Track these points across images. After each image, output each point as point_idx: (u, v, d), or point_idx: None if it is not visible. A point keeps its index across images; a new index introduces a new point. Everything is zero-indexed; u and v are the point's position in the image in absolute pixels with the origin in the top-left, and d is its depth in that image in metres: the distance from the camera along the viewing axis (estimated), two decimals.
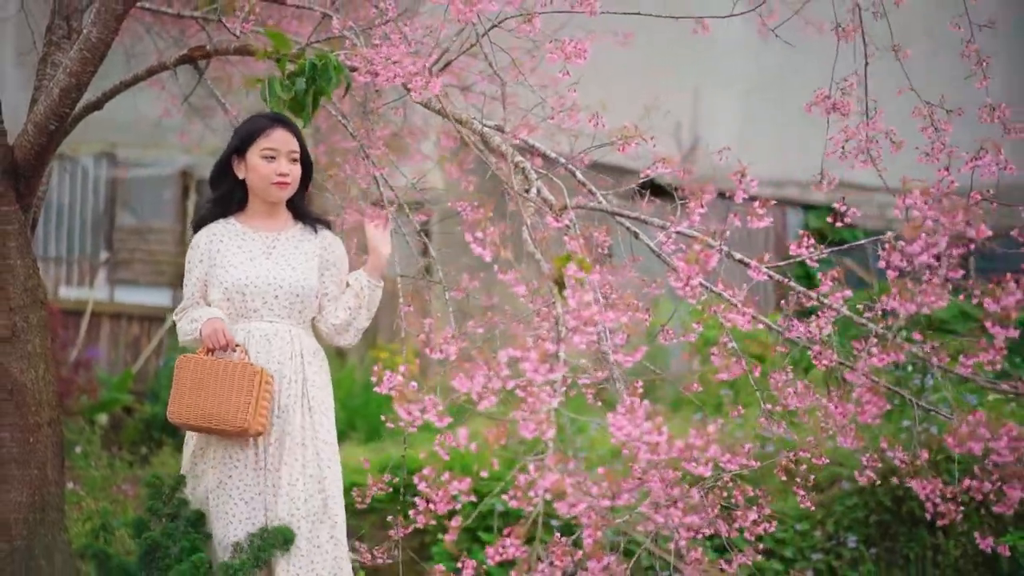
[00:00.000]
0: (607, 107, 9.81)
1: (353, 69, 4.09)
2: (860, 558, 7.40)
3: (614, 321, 3.20)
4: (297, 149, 4.54)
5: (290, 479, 4.41)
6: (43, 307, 5.08)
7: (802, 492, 3.94)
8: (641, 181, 4.16)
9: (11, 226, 4.94)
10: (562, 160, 4.19)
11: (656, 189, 12.77)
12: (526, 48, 4.21)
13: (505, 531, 2.97)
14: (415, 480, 3.14)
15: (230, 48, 4.79)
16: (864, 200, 14.12)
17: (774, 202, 3.54)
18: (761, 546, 4.04)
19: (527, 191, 3.86)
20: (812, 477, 3.89)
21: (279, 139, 4.50)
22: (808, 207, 13.44)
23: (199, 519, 4.32)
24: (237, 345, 4.40)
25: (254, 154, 4.50)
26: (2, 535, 4.93)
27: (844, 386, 3.53)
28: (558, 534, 3.39)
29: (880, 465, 3.92)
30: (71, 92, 4.81)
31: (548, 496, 2.85)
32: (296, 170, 4.55)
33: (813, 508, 4.01)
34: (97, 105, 5.21)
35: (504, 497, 3.09)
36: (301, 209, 4.68)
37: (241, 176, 4.56)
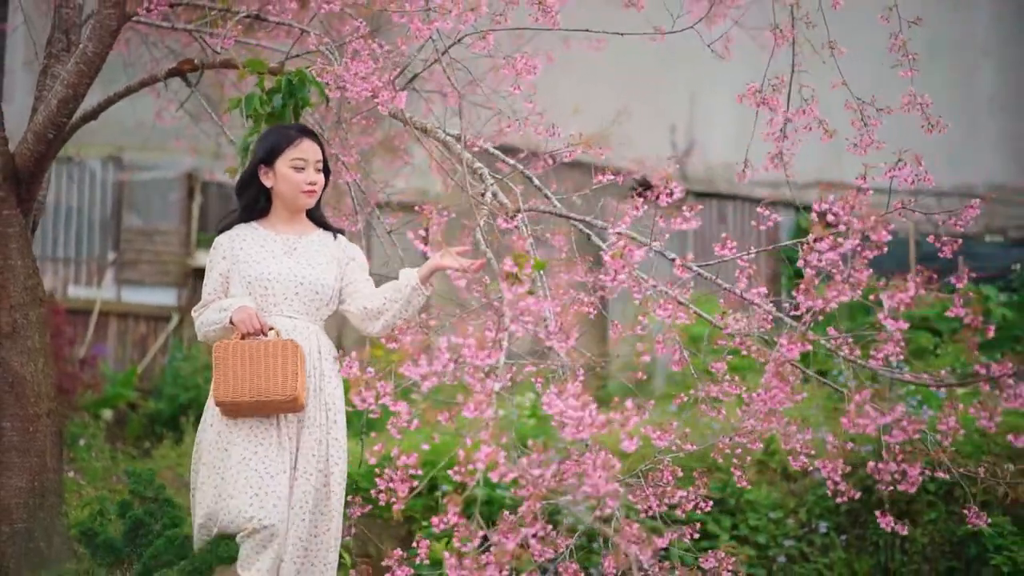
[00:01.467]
0: (607, 110, 10.12)
1: (326, 84, 4.41)
2: (831, 545, 7.67)
3: (550, 311, 3.48)
4: (321, 159, 4.68)
5: (305, 472, 4.58)
6: (42, 305, 5.41)
7: (739, 472, 4.22)
8: (597, 186, 4.42)
9: (12, 229, 5.27)
10: (519, 166, 4.48)
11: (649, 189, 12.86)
12: (504, 56, 4.46)
13: (445, 500, 3.27)
14: (366, 455, 3.44)
15: (216, 62, 5.10)
16: (856, 200, 14.35)
17: (701, 206, 3.84)
18: (698, 525, 4.31)
19: (482, 195, 4.15)
20: (748, 459, 4.18)
21: (307, 149, 4.62)
22: (802, 208, 13.69)
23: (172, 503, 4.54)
24: (270, 328, 4.56)
25: (283, 164, 4.63)
26: (3, 519, 5.27)
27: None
28: (506, 512, 3.68)
29: (814, 453, 4.22)
30: (68, 103, 5.14)
31: (483, 466, 3.14)
32: (322, 179, 4.71)
33: (749, 486, 4.28)
34: (94, 115, 5.52)
35: (449, 472, 3.39)
36: (319, 216, 4.85)
37: (269, 184, 4.69)
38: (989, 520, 4.10)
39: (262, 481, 4.47)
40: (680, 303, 4.08)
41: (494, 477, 3.23)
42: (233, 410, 4.49)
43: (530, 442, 3.37)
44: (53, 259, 12.26)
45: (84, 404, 9.25)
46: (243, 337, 4.49)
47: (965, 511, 4.06)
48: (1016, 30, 15.55)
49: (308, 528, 4.56)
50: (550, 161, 4.68)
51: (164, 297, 12.25)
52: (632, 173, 8.50)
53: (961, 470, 4.31)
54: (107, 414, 9.69)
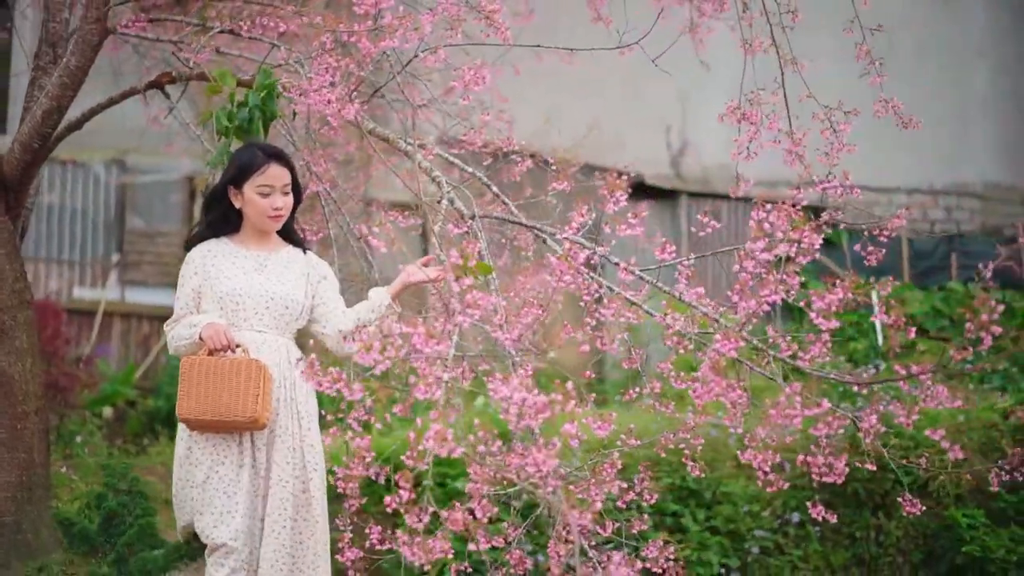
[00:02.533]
0: (606, 111, 10.26)
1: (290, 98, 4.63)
2: (806, 536, 7.86)
3: (495, 305, 3.70)
4: (290, 182, 4.74)
5: (279, 480, 4.68)
6: (29, 307, 5.66)
7: (691, 463, 4.39)
8: (551, 192, 4.61)
9: (0, 235, 5.51)
10: (478, 174, 4.68)
11: (652, 191, 13.12)
12: (453, 69, 4.66)
13: (396, 477, 3.48)
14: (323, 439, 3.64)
15: (193, 75, 5.32)
16: (854, 200, 14.55)
17: (646, 213, 4.04)
18: (646, 516, 4.49)
19: (439, 201, 4.36)
20: (699, 450, 4.36)
21: (273, 175, 4.68)
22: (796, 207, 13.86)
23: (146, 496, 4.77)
24: (238, 345, 4.62)
25: (250, 189, 4.70)
26: None
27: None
28: (456, 503, 3.88)
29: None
30: (52, 114, 5.38)
31: (431, 443, 3.36)
32: (289, 201, 4.77)
33: (702, 476, 4.45)
34: (78, 124, 5.73)
35: (403, 458, 3.60)
36: (289, 232, 4.91)
37: (238, 206, 4.76)
38: (923, 508, 4.26)
39: (219, 501, 4.63)
40: (634, 304, 4.31)
41: (442, 453, 3.44)
42: (196, 426, 4.61)
43: (476, 421, 3.58)
44: (58, 261, 12.54)
45: (83, 402, 9.48)
46: (211, 353, 4.56)
47: (900, 500, 4.23)
48: (1011, 30, 15.71)
49: (290, 535, 4.66)
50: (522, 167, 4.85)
51: (166, 297, 12.40)
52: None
53: (906, 461, 4.52)
54: (107, 412, 9.92)
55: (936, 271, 13.88)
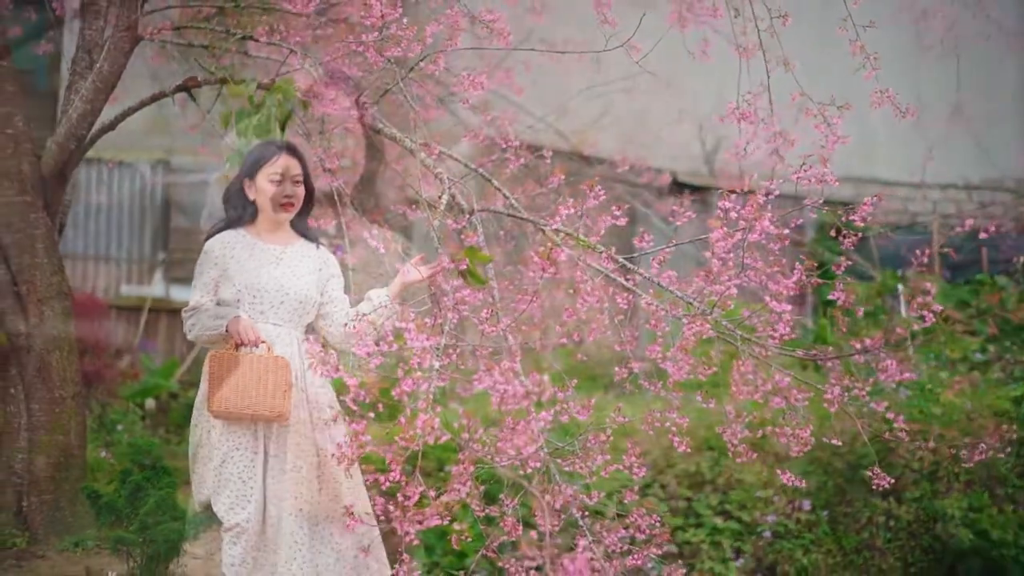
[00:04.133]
0: (646, 109, 10.44)
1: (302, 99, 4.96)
2: (817, 521, 8.08)
3: (481, 299, 4.00)
4: (300, 173, 4.96)
5: (295, 467, 4.84)
6: (67, 298, 6.02)
7: (677, 439, 4.62)
8: (552, 186, 4.89)
9: (39, 230, 5.88)
10: (480, 170, 4.97)
11: (685, 188, 13.27)
12: (455, 75, 4.94)
13: (388, 459, 3.80)
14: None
15: (218, 79, 5.65)
16: (886, 195, 14.72)
17: (627, 205, 4.33)
18: (636, 488, 4.75)
19: (440, 197, 4.66)
20: (686, 427, 4.61)
21: (284, 165, 4.91)
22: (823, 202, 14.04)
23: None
24: (262, 341, 4.76)
25: (263, 178, 4.91)
26: (33, 490, 5.91)
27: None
28: (446, 487, 4.17)
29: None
30: (87, 117, 5.74)
31: (420, 431, 3.68)
32: (300, 191, 4.97)
33: (687, 450, 4.65)
34: (111, 126, 6.09)
35: (397, 439, 3.91)
36: (301, 227, 5.11)
37: (252, 197, 4.98)
38: (891, 480, 4.47)
39: (235, 486, 4.83)
40: (628, 289, 4.60)
41: (430, 440, 3.75)
42: (222, 416, 4.79)
43: (460, 410, 3.89)
44: (106, 259, 12.97)
45: (125, 393, 9.86)
46: (236, 347, 4.74)
47: (870, 473, 4.45)
48: None
49: (307, 518, 4.81)
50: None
51: None
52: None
53: (887, 435, 4.75)
54: (149, 403, 10.28)
55: (967, 265, 14.05)
